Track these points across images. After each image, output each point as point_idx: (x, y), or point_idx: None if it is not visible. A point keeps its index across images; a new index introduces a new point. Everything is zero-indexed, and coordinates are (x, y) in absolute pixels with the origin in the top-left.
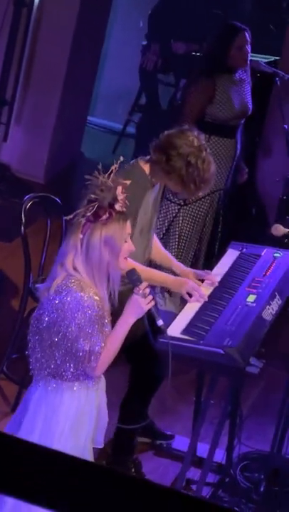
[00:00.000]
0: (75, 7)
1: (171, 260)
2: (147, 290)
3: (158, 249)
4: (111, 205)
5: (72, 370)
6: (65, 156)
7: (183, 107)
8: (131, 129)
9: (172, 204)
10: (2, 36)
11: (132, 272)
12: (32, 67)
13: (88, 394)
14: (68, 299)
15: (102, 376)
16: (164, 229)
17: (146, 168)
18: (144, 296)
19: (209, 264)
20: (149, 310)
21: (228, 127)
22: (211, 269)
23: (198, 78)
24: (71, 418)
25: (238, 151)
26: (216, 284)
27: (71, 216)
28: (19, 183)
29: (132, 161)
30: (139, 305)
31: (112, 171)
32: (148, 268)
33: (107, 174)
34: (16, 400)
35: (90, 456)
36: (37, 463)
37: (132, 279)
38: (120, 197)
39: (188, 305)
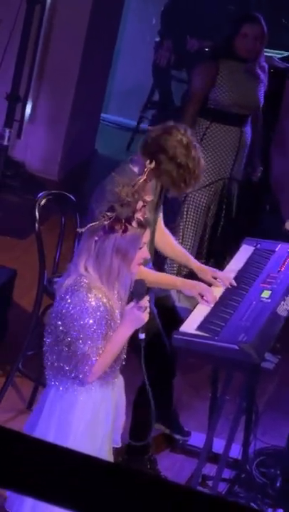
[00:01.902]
0: (88, 4)
1: (188, 257)
2: (147, 304)
3: (172, 246)
4: (127, 220)
5: (67, 370)
6: (79, 153)
7: (188, 90)
8: (145, 126)
9: None
10: (15, 33)
11: (140, 284)
12: (45, 64)
13: (104, 393)
14: (75, 299)
15: (120, 375)
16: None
17: (148, 170)
18: (143, 309)
19: (212, 252)
20: None
21: (230, 115)
22: (217, 258)
23: (203, 60)
24: (86, 418)
25: (246, 142)
26: (229, 285)
27: (83, 229)
28: (33, 180)
29: (123, 163)
30: (138, 316)
31: (135, 184)
32: (157, 272)
33: (131, 187)
34: (32, 397)
35: (107, 457)
36: (49, 461)
37: (137, 291)
38: (138, 214)
39: (200, 305)
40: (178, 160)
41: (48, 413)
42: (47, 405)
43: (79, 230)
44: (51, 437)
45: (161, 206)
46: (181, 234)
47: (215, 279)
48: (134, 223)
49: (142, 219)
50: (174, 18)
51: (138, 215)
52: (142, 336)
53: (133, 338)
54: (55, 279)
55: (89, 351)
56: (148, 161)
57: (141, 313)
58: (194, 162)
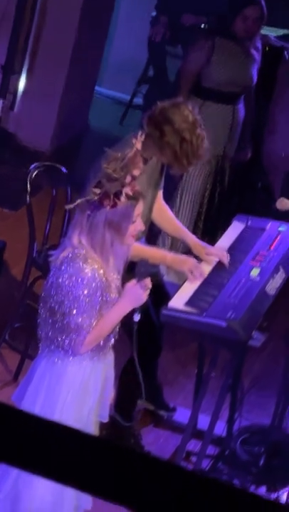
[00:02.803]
0: None
1: (186, 232)
2: (150, 284)
3: (171, 221)
4: (116, 195)
5: (60, 341)
6: (72, 126)
7: (182, 66)
8: (138, 100)
9: None
10: (11, 5)
11: (144, 264)
12: (40, 37)
13: (94, 365)
14: (71, 269)
15: (111, 350)
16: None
17: (138, 143)
18: (145, 289)
19: (208, 229)
20: None
21: (223, 93)
22: (211, 235)
23: (199, 38)
24: (74, 389)
25: (240, 120)
26: (224, 260)
27: (71, 206)
28: (25, 152)
29: (126, 137)
30: (139, 295)
31: (123, 158)
32: (147, 247)
33: (119, 162)
34: (18, 369)
35: (93, 429)
36: (34, 433)
37: (140, 271)
38: (127, 188)
39: (188, 282)
40: (182, 134)
41: (37, 382)
42: (36, 375)
43: (67, 206)
44: (39, 406)
45: (162, 182)
46: (176, 213)
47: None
48: (122, 198)
49: (130, 193)
50: None
51: (127, 189)
52: (137, 317)
53: (126, 316)
54: (50, 252)
55: (82, 322)
56: (140, 133)
57: (142, 293)
58: (198, 140)
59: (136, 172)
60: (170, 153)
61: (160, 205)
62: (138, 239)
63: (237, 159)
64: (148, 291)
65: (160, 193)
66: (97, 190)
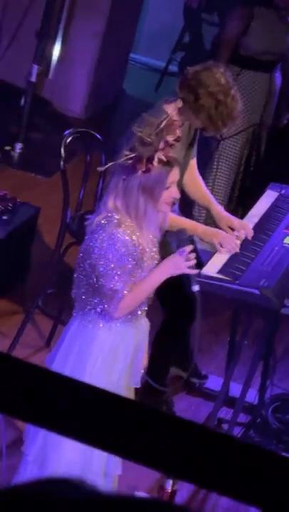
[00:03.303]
0: None
1: (211, 201)
2: (192, 255)
3: (200, 189)
4: (149, 160)
5: (95, 303)
6: (107, 93)
7: (220, 35)
8: (173, 67)
9: (211, 139)
10: None
11: (182, 232)
12: (76, 3)
13: (126, 329)
14: (104, 234)
15: (145, 317)
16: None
17: (170, 108)
18: (188, 259)
19: (244, 198)
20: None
21: (260, 61)
22: (246, 203)
23: (237, 7)
24: (104, 354)
25: (276, 88)
26: (243, 236)
27: (102, 168)
28: (60, 119)
29: (157, 103)
30: (178, 265)
31: (159, 124)
32: (178, 217)
33: (154, 128)
34: (51, 335)
35: (124, 392)
36: (65, 394)
37: (179, 238)
38: (160, 153)
39: (218, 253)
40: (217, 96)
41: (68, 345)
42: (68, 337)
43: (99, 168)
44: (69, 369)
45: (195, 148)
46: (211, 182)
47: (232, 229)
48: (155, 163)
49: (164, 158)
50: None
51: (160, 154)
52: (196, 288)
53: (167, 286)
54: (85, 217)
55: (116, 286)
56: (178, 100)
57: (182, 262)
58: (233, 101)
59: (170, 138)
60: (205, 116)
61: (193, 172)
62: (172, 206)
63: (274, 127)
64: (190, 263)
65: (194, 161)
66: (130, 154)
